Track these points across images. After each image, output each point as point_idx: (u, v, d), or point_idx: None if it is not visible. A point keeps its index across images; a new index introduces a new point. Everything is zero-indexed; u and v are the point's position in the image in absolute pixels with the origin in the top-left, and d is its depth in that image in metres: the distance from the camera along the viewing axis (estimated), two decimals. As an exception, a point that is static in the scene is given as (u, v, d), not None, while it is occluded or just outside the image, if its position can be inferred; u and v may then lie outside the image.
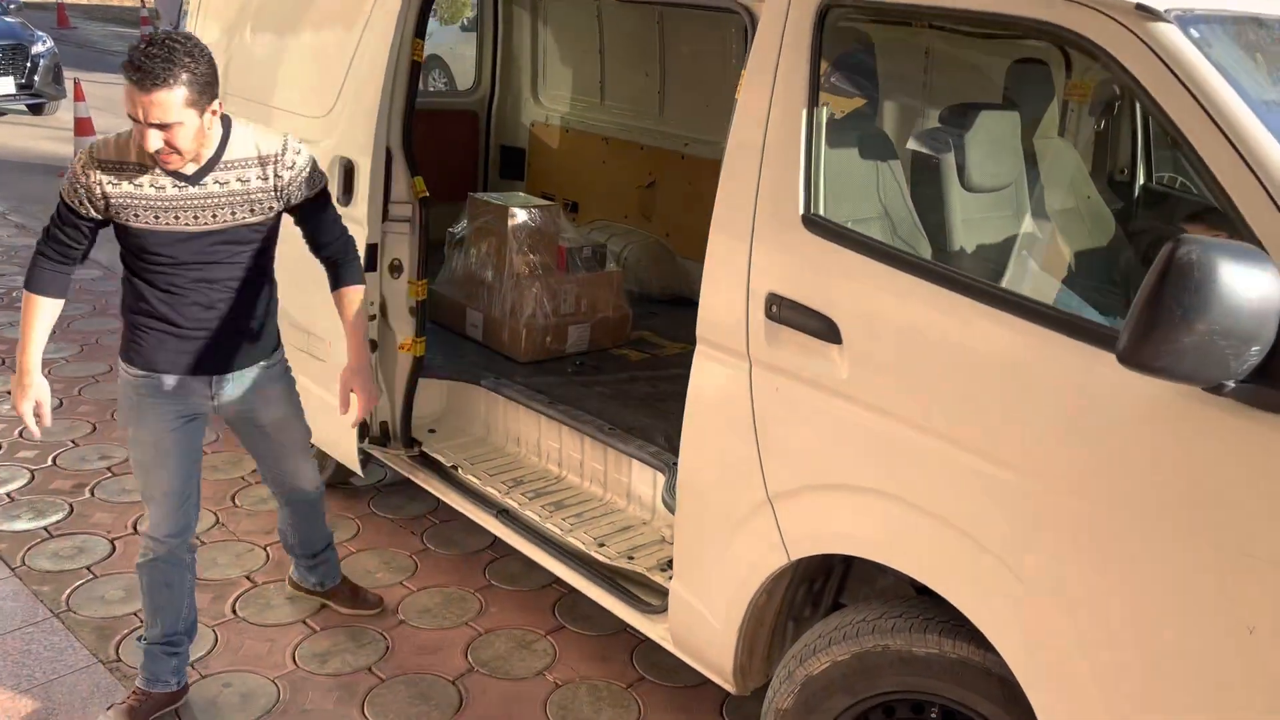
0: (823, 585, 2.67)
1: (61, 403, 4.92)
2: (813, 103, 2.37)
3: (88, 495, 4.12)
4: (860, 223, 2.42)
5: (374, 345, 3.60)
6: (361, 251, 3.46)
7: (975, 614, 2.09)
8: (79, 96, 9.76)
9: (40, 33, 12.95)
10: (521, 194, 4.41)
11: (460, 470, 3.61)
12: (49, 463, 4.36)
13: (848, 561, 2.60)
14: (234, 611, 3.47)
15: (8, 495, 4.09)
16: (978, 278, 2.17)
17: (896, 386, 2.20)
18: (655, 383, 3.90)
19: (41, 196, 8.91)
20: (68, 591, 3.51)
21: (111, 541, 3.83)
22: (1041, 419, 1.95)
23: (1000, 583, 2.03)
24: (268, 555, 3.81)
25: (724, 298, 2.53)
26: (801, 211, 2.37)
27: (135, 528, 3.92)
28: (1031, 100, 3.01)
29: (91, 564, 3.68)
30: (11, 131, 11.88)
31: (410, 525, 4.07)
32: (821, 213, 2.38)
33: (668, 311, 4.76)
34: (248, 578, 3.66)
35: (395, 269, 3.63)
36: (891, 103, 2.99)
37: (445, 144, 5.65)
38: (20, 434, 4.58)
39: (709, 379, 2.61)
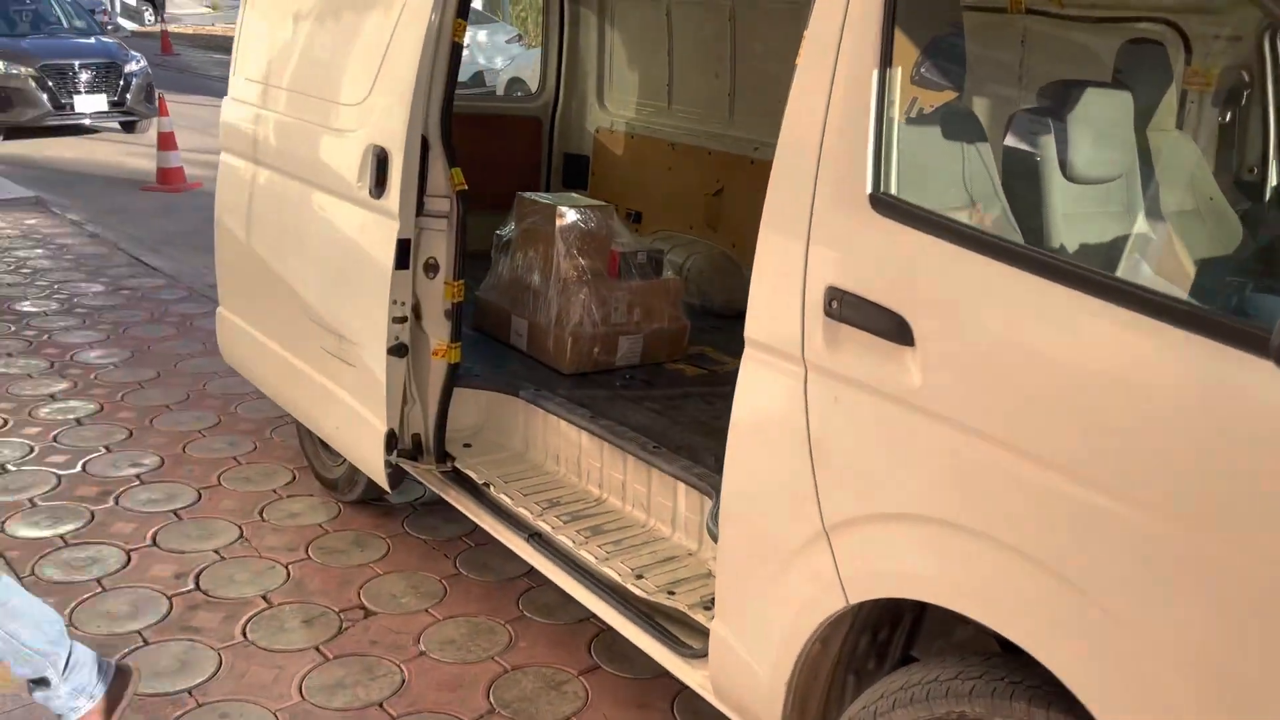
0: (889, 635, 2.27)
1: (102, 407, 4.77)
2: (885, 67, 2.02)
3: (111, 504, 3.92)
4: (939, 206, 2.05)
5: (404, 350, 3.32)
6: (392, 248, 3.19)
7: (1074, 680, 1.68)
8: (163, 112, 9.86)
9: (134, 53, 13.25)
10: (574, 194, 4.11)
11: (492, 488, 3.30)
12: (78, 468, 4.18)
13: (919, 608, 2.21)
14: (244, 634, 3.20)
15: (30, 501, 3.91)
16: (1095, 269, 1.78)
17: (981, 398, 1.82)
18: (710, 400, 3.54)
19: (120, 209, 8.98)
20: (73, 605, 3.28)
21: (127, 553, 3.61)
22: (1174, 440, 1.55)
23: (1109, 644, 1.62)
24: (288, 574, 3.54)
25: (776, 293, 2.18)
26: (869, 190, 2.02)
27: (155, 539, 3.70)
28: (1145, 86, 2.60)
29: (102, 576, 3.46)
30: (101, 147, 12.11)
31: (444, 548, 3.77)
32: (893, 191, 2.01)
33: (730, 326, 4.37)
34: (264, 598, 3.40)
35: (430, 268, 3.35)
36: (981, 76, 2.62)
37: (507, 151, 5.42)
38: (55, 438, 4.43)
39: (758, 388, 2.26)
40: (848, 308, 2.03)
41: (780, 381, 2.18)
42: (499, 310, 3.96)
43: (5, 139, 11.98)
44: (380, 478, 3.44)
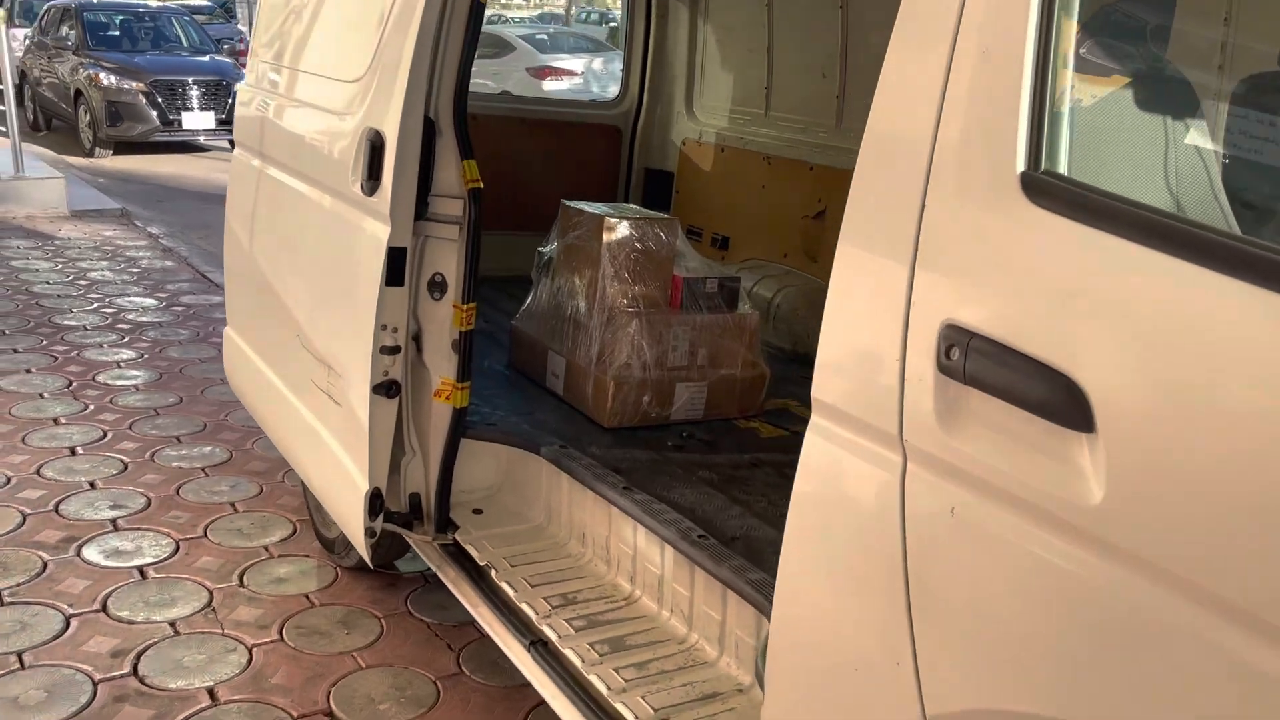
0: None
1: (105, 435, 4.22)
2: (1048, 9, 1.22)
3: (71, 553, 3.32)
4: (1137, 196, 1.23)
5: (394, 389, 2.61)
6: (380, 259, 2.50)
7: None
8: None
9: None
10: (631, 205, 3.37)
11: (494, 573, 2.54)
12: (49, 506, 3.60)
13: None
14: (168, 742, 2.52)
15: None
16: None
17: (1225, 543, 0.99)
18: (786, 473, 2.70)
19: (205, 225, 8.65)
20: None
21: (67, 619, 2.98)
22: None
23: None
24: (250, 660, 2.85)
25: (860, 333, 1.40)
26: (1022, 168, 1.21)
27: (106, 603, 3.06)
28: None
29: (26, 648, 2.83)
30: (205, 164, 11.98)
31: (449, 635, 3.03)
32: (1062, 170, 1.20)
33: (826, 376, 3.57)
34: (209, 692, 2.71)
35: (436, 286, 2.64)
36: (1188, 31, 1.77)
37: (580, 163, 4.72)
38: (39, 469, 3.87)
39: (827, 477, 1.46)
40: (978, 360, 1.22)
41: (862, 471, 1.38)
42: (534, 344, 3.22)
43: (114, 153, 11.98)
44: (360, 544, 2.73)
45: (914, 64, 1.37)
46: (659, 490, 2.53)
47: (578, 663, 2.22)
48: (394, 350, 2.59)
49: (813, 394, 1.47)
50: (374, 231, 2.55)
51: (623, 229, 2.97)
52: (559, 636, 2.30)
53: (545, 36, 16.29)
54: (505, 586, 2.49)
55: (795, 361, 3.72)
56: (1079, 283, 1.14)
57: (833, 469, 1.45)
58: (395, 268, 2.54)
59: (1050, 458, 1.16)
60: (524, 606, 2.42)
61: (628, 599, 2.47)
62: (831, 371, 1.44)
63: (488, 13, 2.85)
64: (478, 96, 4.88)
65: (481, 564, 2.60)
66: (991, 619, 1.24)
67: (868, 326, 1.39)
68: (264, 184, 3.34)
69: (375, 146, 2.54)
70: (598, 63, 16.12)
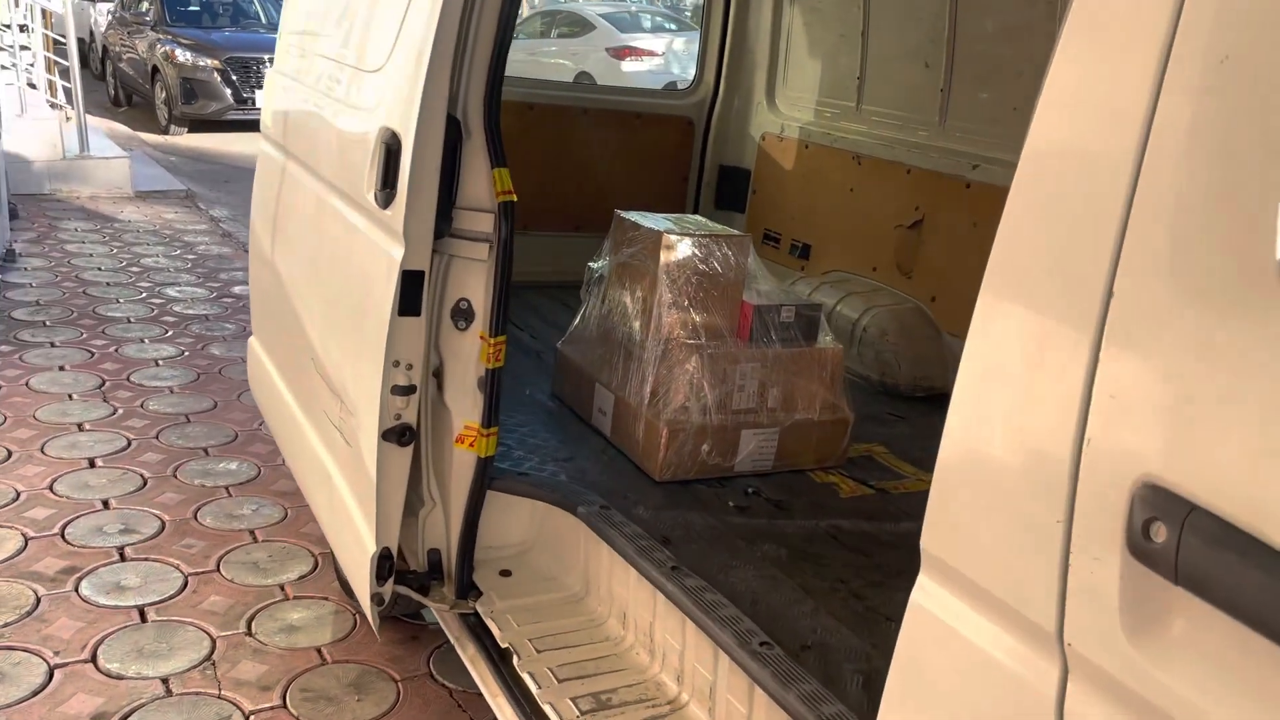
0: None
1: (129, 444, 3.93)
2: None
3: (69, 588, 3.01)
4: None
5: (408, 434, 2.22)
6: (393, 283, 2.10)
7: None
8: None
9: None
10: (697, 217, 2.93)
11: (517, 659, 2.14)
12: (55, 529, 3.31)
13: None
14: (137, 838, 2.17)
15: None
16: None
17: None
18: (871, 548, 2.27)
19: (268, 206, 8.43)
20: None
21: (50, 670, 2.66)
22: None
23: None
24: (245, 731, 2.51)
25: (999, 470, 0.94)
26: (1290, 251, 0.74)
27: (96, 652, 2.74)
28: None
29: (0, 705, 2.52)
30: (277, 144, 11.80)
31: (473, 706, 2.65)
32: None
33: (918, 414, 3.10)
34: (193, 771, 2.37)
35: (460, 314, 2.24)
36: None
37: (647, 159, 4.29)
38: (52, 484, 3.59)
39: (938, 669, 1.01)
40: (1200, 549, 0.76)
41: (993, 674, 0.93)
42: (580, 374, 2.81)
43: (189, 130, 11.89)
44: (369, 612, 2.35)
45: (1097, 59, 0.91)
46: (715, 571, 2.10)
47: (606, 792, 1.81)
48: (408, 390, 2.20)
49: (923, 544, 1.03)
50: (388, 250, 2.15)
51: (684, 248, 2.53)
52: (586, 753, 1.89)
53: (627, 15, 15.82)
54: (528, 678, 2.09)
55: (883, 395, 3.26)
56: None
57: (947, 661, 1.00)
58: (410, 294, 2.14)
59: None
60: (547, 708, 2.01)
61: (673, 704, 2.04)
62: (951, 516, 1.00)
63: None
64: (533, 83, 4.48)
65: (503, 645, 2.20)
66: None
67: (1013, 459, 0.94)
68: (286, 182, 2.97)
69: (391, 150, 2.14)
70: (679, 43, 15.60)
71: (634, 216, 2.69)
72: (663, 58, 14.33)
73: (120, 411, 4.23)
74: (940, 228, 3.42)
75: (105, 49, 14.24)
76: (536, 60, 14.43)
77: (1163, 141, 0.83)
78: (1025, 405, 0.93)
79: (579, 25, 14.89)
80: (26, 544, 3.21)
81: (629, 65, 13.81)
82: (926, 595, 1.03)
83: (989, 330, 0.98)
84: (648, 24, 15.34)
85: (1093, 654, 0.85)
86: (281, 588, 3.11)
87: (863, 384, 3.32)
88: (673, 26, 15.55)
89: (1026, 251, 0.95)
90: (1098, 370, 0.86)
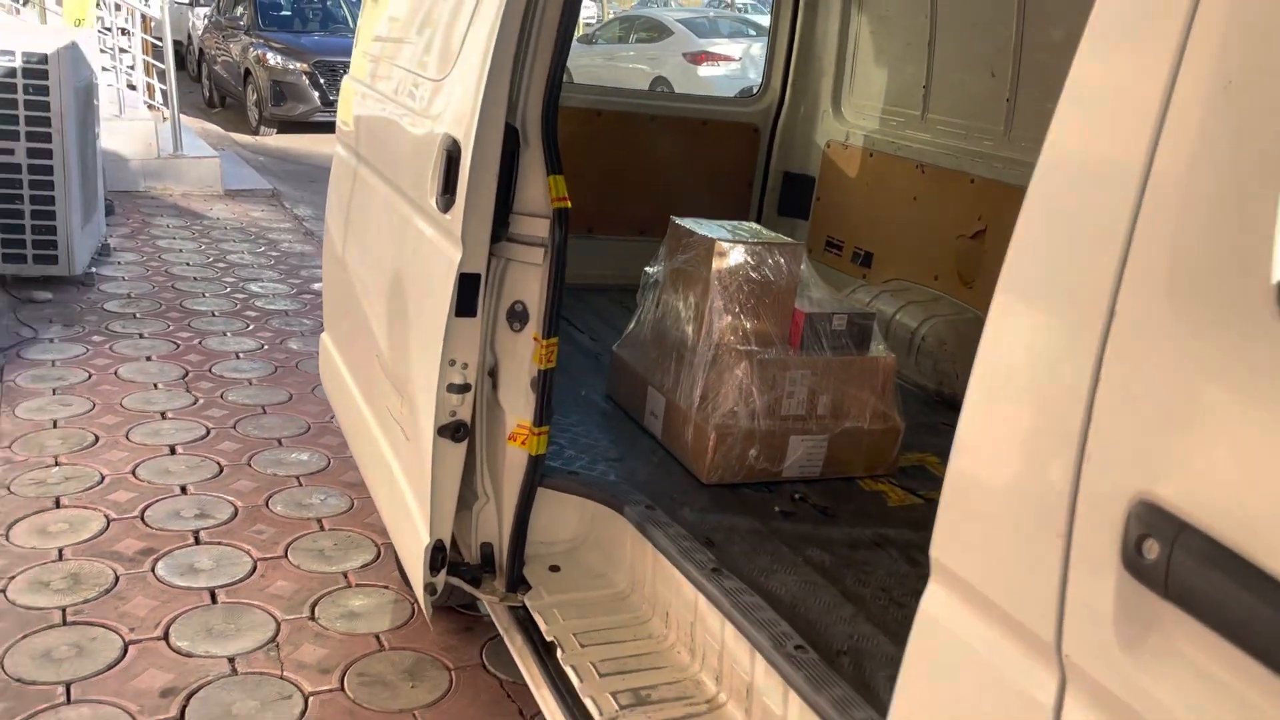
0: None
1: (208, 433, 4.10)
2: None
3: (146, 568, 3.16)
4: None
5: (463, 431, 2.30)
6: (451, 285, 2.18)
7: None
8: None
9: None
10: (752, 224, 2.95)
11: (560, 653, 2.20)
12: (135, 512, 3.47)
13: None
14: (199, 808, 2.29)
15: (59, 551, 3.21)
16: None
17: None
18: (919, 556, 2.28)
19: (349, 206, 8.65)
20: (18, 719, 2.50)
21: (125, 645, 2.80)
22: None
23: None
24: (304, 711, 2.61)
25: (1004, 481, 0.97)
26: None
27: (169, 630, 2.88)
28: None
29: (75, 679, 2.66)
30: (360, 145, 12.09)
31: (522, 698, 2.71)
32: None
33: (974, 426, 3.08)
34: (254, 747, 2.48)
35: (515, 316, 2.32)
36: None
37: (711, 165, 4.33)
38: (134, 469, 3.77)
39: (944, 674, 1.04)
40: (1190, 567, 0.79)
41: (994, 681, 0.96)
42: (634, 376, 2.86)
43: (278, 132, 12.25)
44: (422, 602, 2.44)
45: (1109, 78, 0.93)
46: (756, 575, 2.14)
47: (640, 785, 1.86)
48: (463, 389, 2.28)
49: (932, 552, 1.05)
50: (447, 254, 2.23)
51: (736, 254, 2.57)
52: (622, 746, 1.94)
53: (705, 20, 15.86)
54: (570, 671, 2.15)
55: (940, 405, 3.25)
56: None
57: (953, 667, 1.03)
58: (467, 296, 2.22)
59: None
60: (588, 701, 2.07)
61: (710, 703, 2.08)
62: (958, 527, 1.02)
63: None
64: (601, 90, 4.55)
65: (548, 639, 2.26)
66: None
67: (1018, 472, 0.97)
68: (358, 185, 3.09)
69: (452, 157, 2.22)
70: (757, 48, 15.59)
71: (688, 223, 2.74)
72: (740, 63, 14.34)
73: (201, 401, 4.41)
74: (1003, 238, 3.39)
75: (201, 52, 14.74)
76: (614, 65, 14.55)
77: (1167, 163, 0.85)
78: (1030, 418, 0.96)
79: (657, 30, 14.97)
80: (108, 525, 3.38)
81: (706, 70, 13.85)
82: (935, 603, 1.06)
83: (998, 343, 1.00)
84: (726, 29, 15.35)
85: (1089, 665, 0.88)
86: (345, 575, 3.22)
87: (919, 393, 3.32)
88: (751, 32, 15.53)
89: (1035, 265, 0.97)
90: (1098, 387, 0.88)
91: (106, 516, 3.43)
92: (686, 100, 5.14)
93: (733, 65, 13.99)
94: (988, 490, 1.00)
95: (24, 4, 13.23)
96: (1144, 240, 0.85)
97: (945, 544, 1.03)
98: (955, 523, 1.03)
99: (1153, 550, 0.80)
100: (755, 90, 4.59)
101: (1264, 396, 0.76)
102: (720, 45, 14.30)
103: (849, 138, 4.14)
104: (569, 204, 2.24)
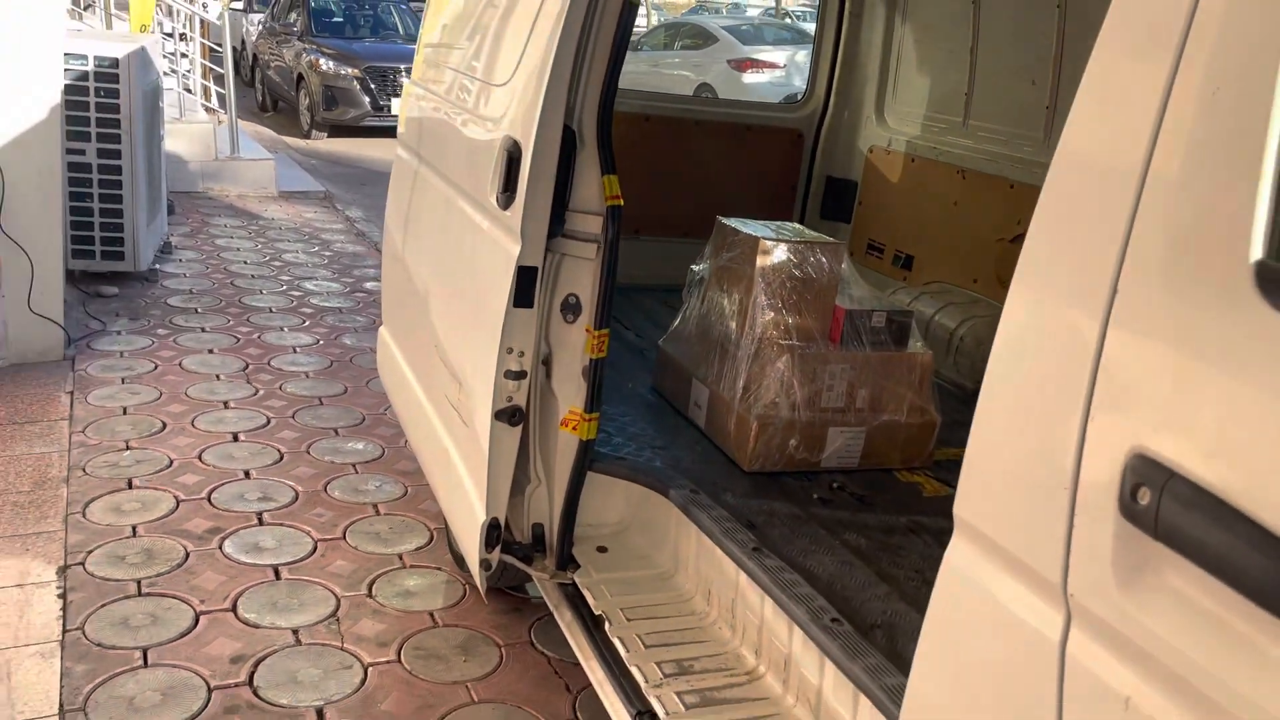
0: None
1: (268, 422, 4.28)
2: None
3: (214, 545, 3.34)
4: None
5: (518, 415, 2.44)
6: (509, 277, 2.32)
7: None
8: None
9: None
10: (795, 225, 3.07)
11: (609, 625, 2.33)
12: (203, 494, 3.65)
13: None
14: (267, 764, 2.44)
15: (132, 528, 3.40)
16: None
17: None
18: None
19: (399, 208, 8.86)
20: (100, 680, 2.67)
21: (196, 615, 2.97)
22: None
23: None
24: (363, 680, 2.76)
25: (1020, 442, 1.09)
26: (1259, 255, 0.88)
27: (236, 602, 3.05)
28: None
29: (150, 645, 2.83)
30: (409, 149, 12.33)
31: (569, 674, 2.85)
32: (1320, 260, 0.86)
33: (1009, 424, 3.17)
34: (318, 713, 2.63)
35: (569, 308, 2.45)
36: None
37: (756, 169, 4.45)
38: (200, 454, 3.95)
39: (965, 620, 1.16)
40: (1176, 511, 0.90)
41: (1009, 622, 1.08)
42: (679, 369, 2.99)
43: (329, 136, 12.53)
44: (477, 578, 2.58)
45: (1117, 92, 1.05)
46: (795, 555, 2.25)
47: (683, 747, 1.98)
48: (519, 375, 2.42)
49: (955, 510, 1.17)
50: (506, 248, 2.37)
51: (779, 252, 2.69)
52: (667, 713, 2.07)
53: (750, 28, 15.96)
54: (618, 643, 2.28)
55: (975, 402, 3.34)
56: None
57: (972, 610, 1.14)
58: (524, 288, 2.36)
59: (1268, 663, 0.83)
60: (634, 669, 2.19)
61: (750, 674, 2.20)
62: (979, 485, 1.14)
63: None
64: (649, 96, 4.68)
65: (596, 612, 2.39)
66: None
67: (1032, 434, 1.08)
68: (418, 185, 3.24)
69: (512, 157, 2.37)
70: (801, 55, 15.67)
71: (734, 222, 2.86)
72: (784, 70, 14.42)
73: (261, 392, 4.60)
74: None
75: (255, 57, 15.10)
76: (659, 72, 14.70)
77: (1164, 158, 0.96)
78: (1041, 387, 1.07)
79: (702, 38, 15.10)
80: (178, 505, 3.56)
81: (750, 77, 13.95)
82: (957, 555, 1.18)
83: (1015, 318, 1.12)
84: (770, 37, 15.44)
85: (1090, 602, 0.99)
86: (400, 557, 3.37)
87: (957, 392, 3.41)
88: (794, 38, 15.60)
89: (1049, 251, 1.09)
90: (1102, 357, 0.99)
91: (176, 497, 3.61)
92: (732, 106, 5.25)
93: (777, 72, 14.08)
94: (1005, 453, 1.12)
95: (85, 9, 13.63)
96: (1143, 226, 0.96)
97: (968, 502, 1.15)
98: (976, 483, 1.14)
99: (1145, 497, 0.91)
100: (800, 96, 4.70)
101: (1243, 361, 0.87)
102: (765, 52, 14.40)
103: (891, 143, 4.24)
104: (622, 202, 2.37)
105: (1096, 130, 1.05)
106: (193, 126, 8.95)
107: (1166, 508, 0.90)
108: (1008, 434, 1.11)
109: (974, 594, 1.13)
